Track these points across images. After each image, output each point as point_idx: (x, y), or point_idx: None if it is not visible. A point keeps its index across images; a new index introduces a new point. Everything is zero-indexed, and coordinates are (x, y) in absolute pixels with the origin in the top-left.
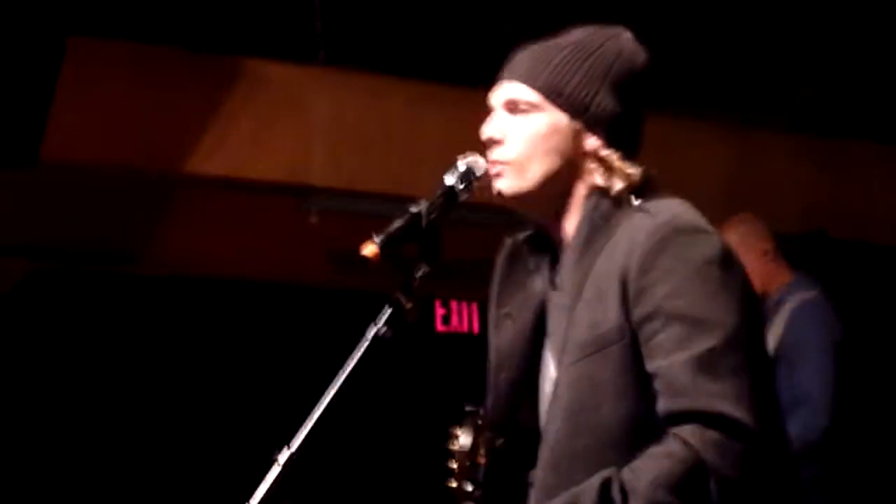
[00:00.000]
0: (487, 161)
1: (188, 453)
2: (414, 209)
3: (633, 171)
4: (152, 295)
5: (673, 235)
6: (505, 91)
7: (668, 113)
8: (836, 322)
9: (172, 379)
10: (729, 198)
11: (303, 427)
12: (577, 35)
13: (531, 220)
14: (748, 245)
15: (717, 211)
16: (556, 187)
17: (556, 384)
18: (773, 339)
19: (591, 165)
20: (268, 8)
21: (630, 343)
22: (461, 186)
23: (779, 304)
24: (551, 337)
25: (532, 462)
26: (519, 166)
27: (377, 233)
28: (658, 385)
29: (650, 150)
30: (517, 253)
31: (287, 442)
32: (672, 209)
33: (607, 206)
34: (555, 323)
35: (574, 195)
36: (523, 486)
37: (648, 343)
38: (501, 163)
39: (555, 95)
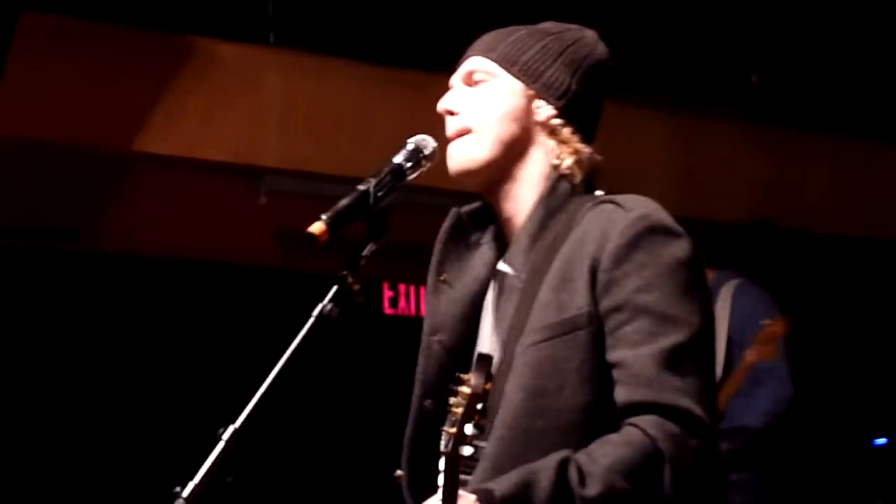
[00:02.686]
0: (446, 133)
1: (134, 432)
2: (362, 187)
3: (583, 147)
4: (99, 273)
5: (648, 233)
6: (463, 67)
7: (616, 99)
8: (772, 299)
9: (119, 357)
10: (675, 186)
11: (247, 405)
12: (544, 24)
13: (480, 197)
14: None
15: (665, 200)
16: (509, 155)
17: (504, 362)
18: (722, 327)
19: (542, 135)
20: None
21: (596, 331)
22: (409, 165)
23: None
24: (497, 313)
25: None
26: (475, 133)
27: (325, 212)
28: (620, 374)
29: (601, 136)
30: (461, 224)
31: (232, 420)
32: (646, 205)
33: (564, 189)
34: (504, 300)
35: (527, 167)
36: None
37: (614, 333)
38: (458, 132)
39: (509, 64)
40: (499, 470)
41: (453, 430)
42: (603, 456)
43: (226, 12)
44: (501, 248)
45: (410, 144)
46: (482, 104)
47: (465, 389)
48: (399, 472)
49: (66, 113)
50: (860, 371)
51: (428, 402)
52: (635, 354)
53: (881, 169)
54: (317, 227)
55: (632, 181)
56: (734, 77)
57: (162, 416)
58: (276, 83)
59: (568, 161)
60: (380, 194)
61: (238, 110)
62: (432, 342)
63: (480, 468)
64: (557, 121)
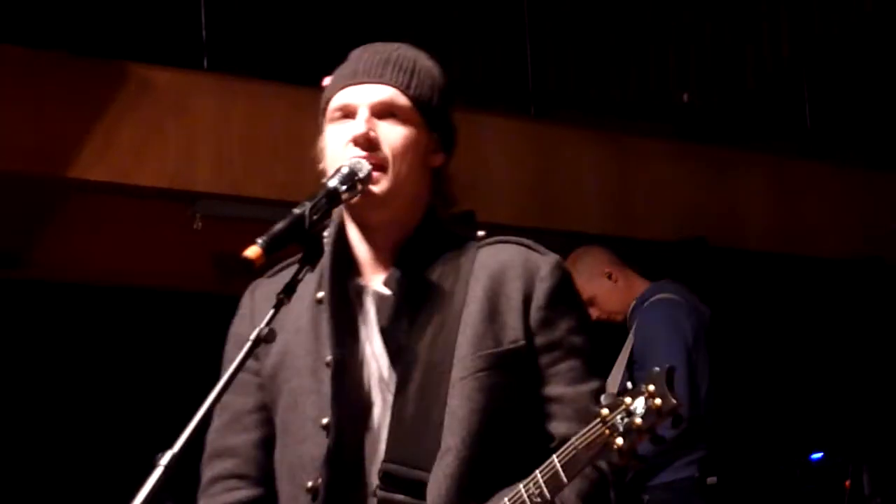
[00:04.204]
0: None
1: (71, 458)
2: (297, 211)
3: (454, 191)
4: (35, 300)
5: (568, 276)
6: (376, 93)
7: (549, 119)
8: (688, 320)
9: (55, 384)
10: (609, 204)
11: (185, 430)
12: (411, 50)
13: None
14: (591, 275)
15: (598, 217)
16: (409, 196)
17: (421, 383)
18: (628, 347)
19: (428, 177)
20: (153, 14)
21: (530, 363)
22: (344, 188)
23: (633, 316)
24: (382, 333)
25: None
26: (392, 172)
27: (261, 236)
28: (560, 409)
29: (531, 155)
30: (272, 284)
31: (170, 445)
32: (551, 253)
33: (439, 225)
34: (387, 322)
35: (416, 207)
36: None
37: (549, 369)
38: (378, 166)
39: (423, 107)
40: (463, 490)
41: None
42: (569, 489)
43: (159, 38)
44: (342, 268)
45: (345, 168)
46: (401, 146)
47: (656, 402)
48: (310, 485)
49: None
50: (795, 386)
51: (335, 418)
52: (575, 391)
53: (814, 185)
54: (252, 251)
55: (567, 201)
56: (666, 95)
57: (100, 443)
58: (209, 107)
59: (447, 203)
60: (315, 218)
61: (172, 135)
62: (320, 367)
63: (442, 486)
64: (442, 167)
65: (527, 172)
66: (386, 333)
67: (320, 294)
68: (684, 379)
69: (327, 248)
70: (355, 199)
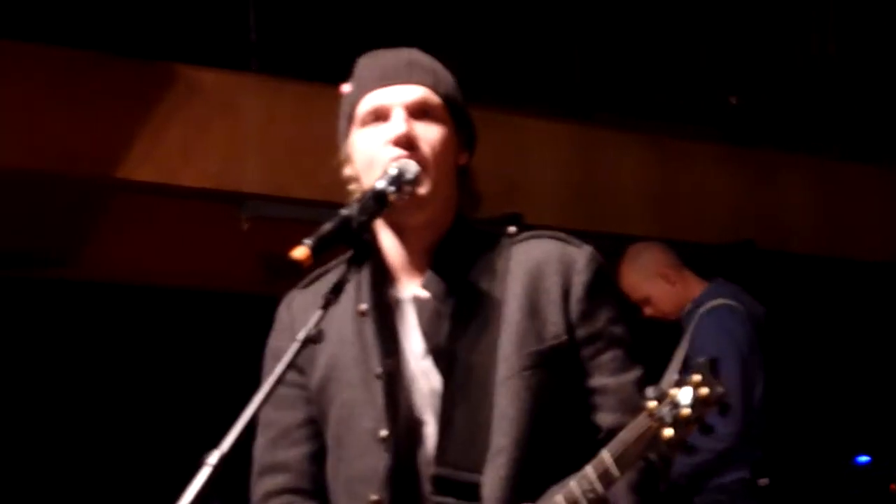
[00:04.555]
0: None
1: (121, 459)
2: (345, 212)
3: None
4: (83, 301)
5: (604, 268)
6: (409, 92)
7: (596, 122)
8: (743, 328)
9: (105, 385)
10: (655, 207)
11: (232, 429)
12: (419, 52)
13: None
14: (647, 275)
15: (642, 220)
16: (444, 196)
17: (466, 385)
18: (682, 352)
19: (457, 179)
20: (201, 15)
21: (573, 357)
22: (391, 190)
23: (689, 318)
24: (426, 338)
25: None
26: (431, 171)
27: (308, 237)
28: (605, 399)
29: (578, 158)
30: (309, 293)
31: (216, 445)
32: (575, 239)
33: (469, 225)
34: (429, 326)
35: (447, 205)
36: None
37: (592, 360)
38: (422, 164)
39: (453, 106)
40: (517, 490)
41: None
42: (621, 482)
43: (207, 39)
44: (380, 278)
45: (393, 169)
46: (437, 145)
47: (703, 391)
48: (374, 498)
49: (46, 141)
50: (842, 390)
51: (392, 430)
52: (618, 381)
53: (861, 188)
54: (300, 252)
55: (611, 204)
56: (713, 98)
57: (148, 444)
58: (256, 109)
59: (474, 203)
60: (363, 219)
61: (219, 136)
62: (370, 378)
63: (497, 488)
64: (466, 165)
65: (572, 175)
66: (429, 337)
67: (363, 306)
68: (739, 393)
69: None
70: (402, 201)
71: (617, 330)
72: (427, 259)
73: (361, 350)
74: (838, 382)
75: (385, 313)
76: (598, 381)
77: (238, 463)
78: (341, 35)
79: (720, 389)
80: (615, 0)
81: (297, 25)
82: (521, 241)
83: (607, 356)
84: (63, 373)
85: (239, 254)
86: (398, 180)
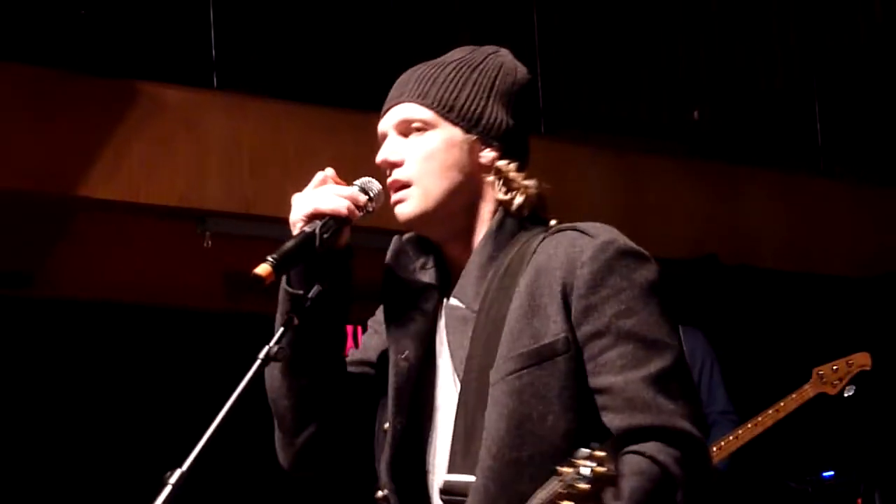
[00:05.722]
0: (388, 185)
1: (81, 478)
2: (308, 229)
3: (530, 182)
4: (46, 318)
5: (620, 257)
6: (395, 114)
7: (559, 137)
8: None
9: (66, 403)
10: (619, 222)
11: (195, 448)
12: (457, 53)
13: (433, 240)
14: None
15: None
16: (459, 203)
17: (471, 393)
18: None
19: (490, 179)
20: (163, 32)
21: (574, 356)
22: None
23: None
24: (450, 346)
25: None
26: (421, 186)
27: (271, 254)
28: (609, 400)
29: (539, 173)
30: (404, 251)
31: (179, 463)
32: (611, 231)
33: (513, 224)
34: (454, 333)
35: (477, 210)
36: (423, 472)
37: (597, 359)
38: (402, 184)
39: (446, 110)
40: (490, 502)
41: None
42: (621, 489)
43: (169, 56)
44: (444, 278)
45: (356, 186)
46: (424, 157)
47: (599, 468)
48: (381, 494)
49: (8, 159)
50: (806, 404)
51: (400, 421)
52: (625, 379)
53: (825, 202)
54: (263, 269)
55: (575, 217)
56: (675, 113)
57: (111, 461)
58: (219, 126)
59: (518, 199)
60: (325, 236)
61: (182, 154)
62: (399, 360)
63: (472, 500)
64: (501, 162)
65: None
66: (452, 344)
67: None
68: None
69: (427, 270)
70: (362, 216)
71: (626, 323)
72: (461, 264)
73: (395, 342)
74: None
75: (428, 317)
76: (604, 380)
77: (200, 481)
78: (302, 51)
79: (614, 471)
80: (578, 14)
81: (258, 42)
82: (549, 235)
83: (614, 353)
84: (27, 391)
85: (202, 271)
86: None
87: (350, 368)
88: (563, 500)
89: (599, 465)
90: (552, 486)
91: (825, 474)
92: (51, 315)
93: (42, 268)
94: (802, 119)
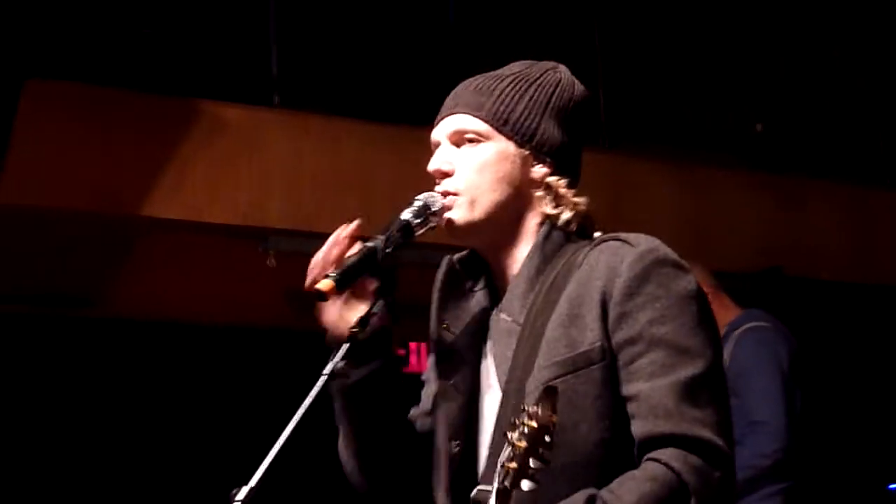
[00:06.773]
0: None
1: (148, 497)
2: (370, 244)
3: (580, 199)
4: (111, 339)
5: (657, 266)
6: (450, 123)
7: (622, 151)
8: (783, 348)
9: (132, 422)
10: (684, 235)
11: (261, 465)
12: (515, 67)
13: (479, 252)
14: None
15: (674, 247)
16: (506, 216)
17: (510, 403)
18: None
19: (539, 193)
20: (224, 52)
21: (610, 364)
22: (417, 221)
23: (724, 342)
24: (495, 358)
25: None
26: (469, 196)
27: (333, 269)
28: (637, 407)
29: (604, 187)
30: (455, 272)
31: (245, 481)
32: (652, 241)
33: (559, 237)
34: (499, 345)
35: (524, 224)
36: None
37: (629, 366)
38: (452, 194)
39: (501, 123)
40: None
41: (513, 464)
42: (628, 492)
43: (230, 75)
44: (494, 295)
45: (418, 201)
46: (476, 168)
47: (532, 423)
48: None
49: (72, 180)
50: (872, 417)
51: (456, 444)
52: (651, 386)
53: (888, 214)
54: (325, 285)
55: (641, 231)
56: (739, 126)
57: (176, 480)
58: (280, 144)
59: (566, 215)
60: (388, 251)
61: (244, 172)
62: (448, 387)
63: None
64: (552, 178)
65: (599, 202)
66: (497, 358)
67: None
68: (782, 407)
69: (478, 292)
70: (424, 231)
71: (659, 330)
72: (509, 278)
73: (450, 360)
74: (869, 409)
75: (479, 331)
76: (634, 387)
77: (266, 498)
78: (362, 69)
79: (553, 419)
80: (640, 29)
81: (318, 60)
82: (594, 247)
83: (645, 360)
84: (93, 411)
85: (265, 289)
86: (423, 212)
87: (417, 424)
88: (510, 462)
89: (531, 419)
90: (504, 455)
91: (892, 486)
92: (115, 336)
93: (105, 288)
94: (866, 131)
